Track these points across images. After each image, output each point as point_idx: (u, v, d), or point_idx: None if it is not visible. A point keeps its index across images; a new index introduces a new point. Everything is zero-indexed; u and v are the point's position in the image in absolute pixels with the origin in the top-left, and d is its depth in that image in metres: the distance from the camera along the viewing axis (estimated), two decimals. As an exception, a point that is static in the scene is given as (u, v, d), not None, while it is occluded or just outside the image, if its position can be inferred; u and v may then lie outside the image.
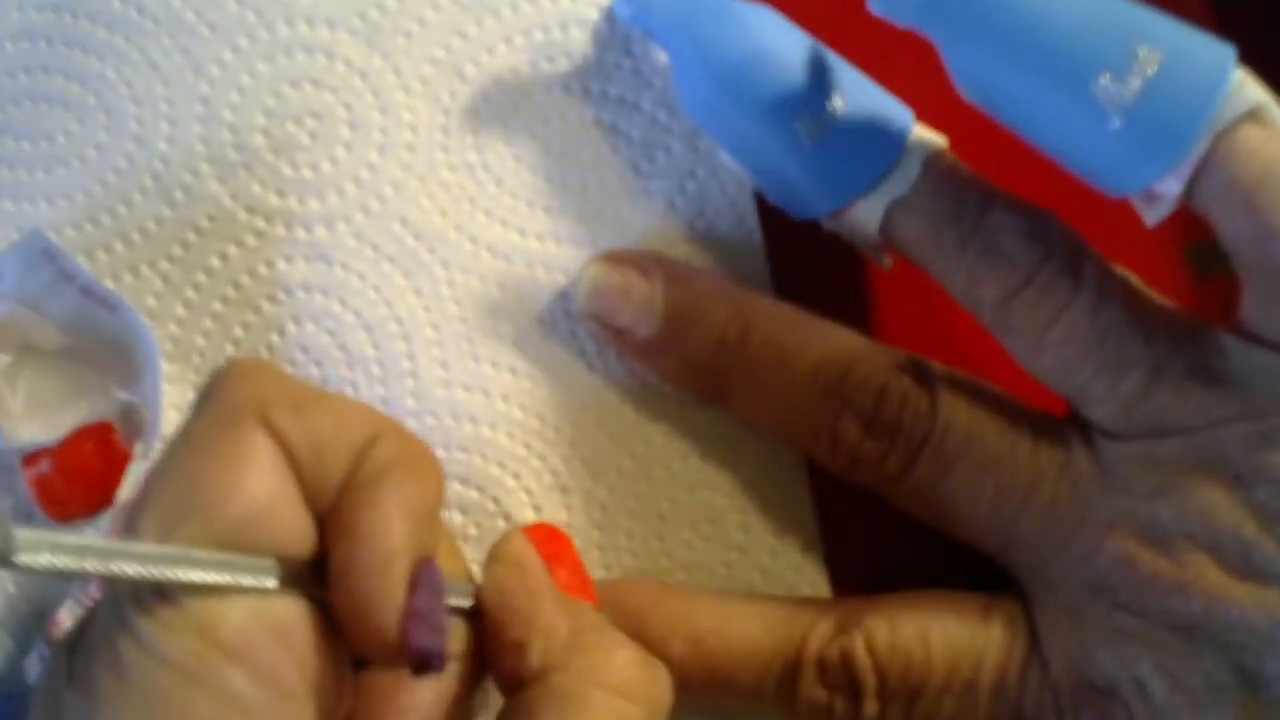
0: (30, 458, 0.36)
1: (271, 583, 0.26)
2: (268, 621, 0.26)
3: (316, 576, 0.27)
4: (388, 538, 0.26)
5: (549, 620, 0.29)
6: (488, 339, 0.36)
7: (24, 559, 0.22)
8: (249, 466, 0.26)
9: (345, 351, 0.36)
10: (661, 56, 0.36)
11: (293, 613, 0.26)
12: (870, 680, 0.32)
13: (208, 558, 0.25)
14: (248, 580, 0.25)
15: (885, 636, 0.32)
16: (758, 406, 0.34)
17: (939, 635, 0.32)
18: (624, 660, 0.29)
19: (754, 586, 0.36)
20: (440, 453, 0.36)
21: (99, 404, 0.36)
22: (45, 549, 0.22)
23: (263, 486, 0.26)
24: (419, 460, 0.28)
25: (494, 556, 0.30)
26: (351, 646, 0.27)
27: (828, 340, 0.33)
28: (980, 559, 0.33)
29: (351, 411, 0.28)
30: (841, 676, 0.32)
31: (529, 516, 0.36)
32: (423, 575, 0.26)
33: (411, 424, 0.36)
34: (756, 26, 0.33)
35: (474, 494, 0.36)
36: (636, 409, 0.36)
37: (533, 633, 0.28)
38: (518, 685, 0.29)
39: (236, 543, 0.25)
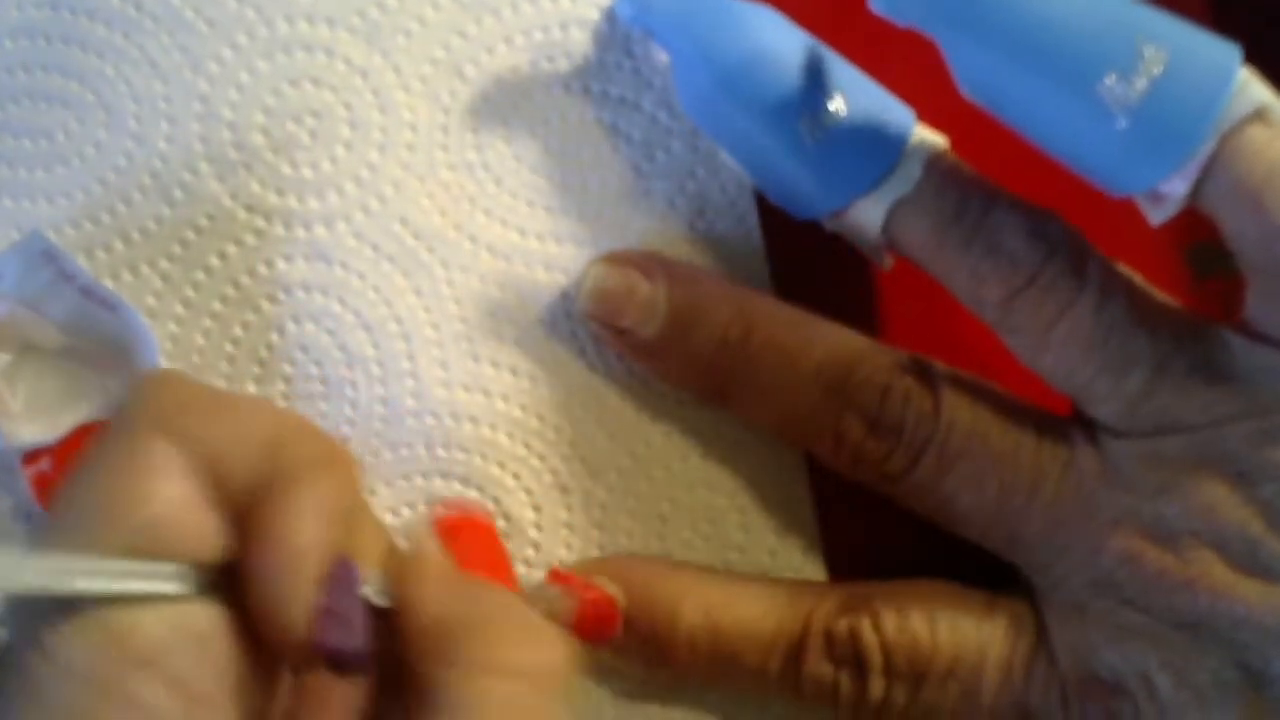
0: (30, 456, 0.36)
1: (177, 588, 0.25)
2: (183, 629, 0.26)
3: (232, 581, 0.26)
4: (295, 536, 0.26)
5: (418, 601, 0.28)
6: (488, 339, 0.36)
7: None
8: (154, 474, 0.26)
9: (345, 351, 0.36)
10: (662, 56, 0.36)
11: (208, 618, 0.26)
12: (877, 657, 0.32)
13: (114, 566, 0.25)
14: (154, 587, 0.25)
15: (893, 617, 0.32)
16: (760, 406, 0.34)
17: (945, 622, 0.32)
18: (511, 634, 0.28)
19: (754, 587, 0.36)
20: (440, 452, 0.36)
21: (99, 403, 0.36)
22: None
23: (169, 492, 0.26)
24: (330, 458, 0.28)
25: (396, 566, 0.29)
26: (269, 648, 0.26)
27: (830, 340, 0.33)
28: (982, 560, 0.33)
29: (256, 412, 0.28)
30: (849, 651, 0.32)
31: (529, 516, 0.36)
32: (335, 573, 0.26)
33: (411, 423, 0.36)
34: (757, 26, 0.33)
35: (474, 494, 0.36)
36: (636, 409, 0.36)
37: (406, 617, 0.28)
38: (416, 682, 0.28)
39: (145, 549, 0.25)
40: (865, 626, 0.32)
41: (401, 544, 0.30)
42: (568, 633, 0.33)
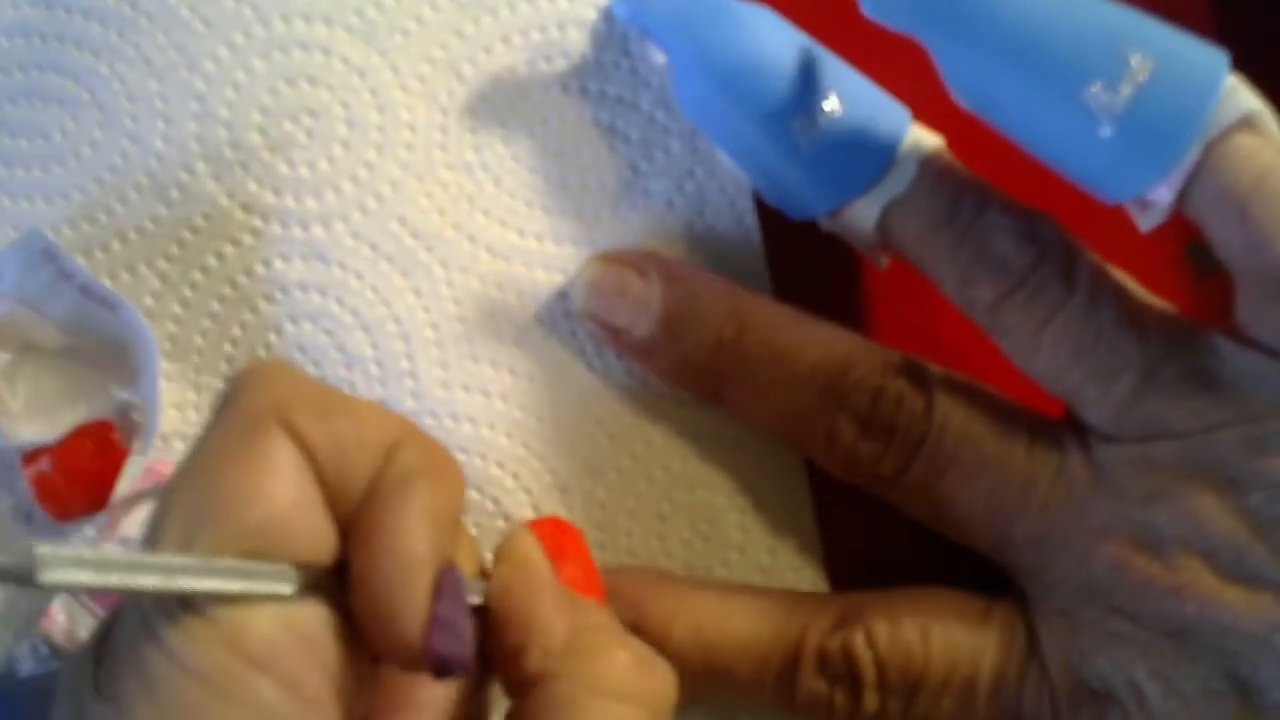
0: (30, 456, 0.36)
1: (289, 589, 0.25)
2: (293, 629, 0.26)
3: (338, 582, 0.27)
4: (411, 545, 0.26)
5: (546, 622, 0.28)
6: (487, 339, 0.36)
7: (48, 577, 0.22)
8: (270, 472, 0.26)
9: (343, 351, 0.36)
10: (659, 56, 0.36)
11: (316, 619, 0.26)
12: (870, 672, 0.32)
13: (227, 566, 0.25)
14: (267, 588, 0.25)
15: (886, 630, 0.32)
16: (754, 406, 0.34)
17: (939, 633, 0.32)
18: (623, 662, 0.29)
19: (753, 586, 0.36)
20: (440, 452, 0.36)
21: (98, 403, 0.36)
22: (68, 566, 0.22)
23: (284, 492, 0.26)
24: (441, 465, 0.28)
25: (499, 556, 0.30)
26: (373, 652, 0.27)
27: (825, 340, 0.33)
28: (980, 560, 0.33)
29: (374, 415, 0.28)
30: (842, 668, 0.32)
31: (529, 516, 0.36)
32: (446, 582, 0.26)
33: (411, 424, 0.36)
34: (754, 26, 0.33)
35: (474, 494, 0.36)
36: (636, 409, 0.36)
37: (530, 635, 0.28)
38: (519, 689, 0.29)
39: (258, 549, 0.25)
40: (858, 641, 0.32)
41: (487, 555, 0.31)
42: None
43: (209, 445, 0.27)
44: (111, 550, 0.24)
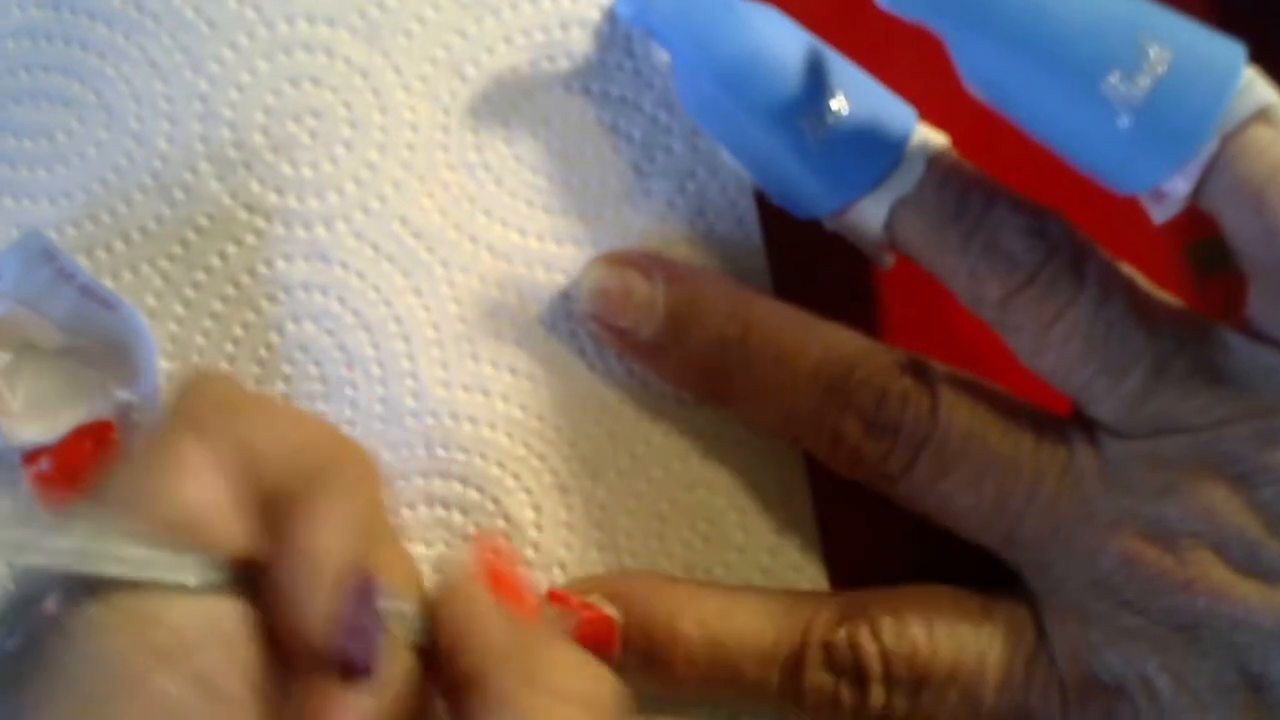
0: (30, 456, 0.36)
1: (197, 580, 0.25)
2: (209, 626, 0.25)
3: (257, 583, 0.26)
4: (319, 544, 0.26)
5: (482, 622, 0.28)
6: (487, 339, 0.36)
7: None
8: (179, 473, 0.26)
9: (344, 351, 0.36)
10: (663, 56, 0.36)
11: (235, 618, 0.26)
12: (876, 666, 0.32)
13: (136, 551, 0.24)
14: (174, 576, 0.25)
15: (891, 625, 0.32)
16: (759, 406, 0.34)
17: (944, 627, 0.32)
18: (563, 660, 0.29)
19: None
20: (440, 452, 0.36)
21: (98, 403, 0.36)
22: None
23: (193, 493, 0.26)
24: (358, 469, 0.28)
25: (435, 593, 0.30)
26: (290, 658, 0.26)
27: (828, 340, 0.33)
28: (983, 559, 0.33)
29: (292, 419, 0.28)
30: (848, 661, 0.32)
31: (529, 517, 0.36)
32: (356, 585, 0.26)
33: (411, 423, 0.36)
34: (758, 26, 0.33)
35: (474, 494, 0.36)
36: (636, 409, 0.36)
37: (467, 635, 0.28)
38: (458, 692, 0.28)
39: (171, 541, 0.25)
40: (864, 635, 0.32)
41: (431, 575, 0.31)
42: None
43: (134, 449, 0.27)
44: (14, 529, 0.23)
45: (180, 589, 0.25)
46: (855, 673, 0.32)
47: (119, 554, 0.24)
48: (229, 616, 0.26)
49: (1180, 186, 0.29)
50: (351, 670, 0.25)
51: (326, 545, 0.26)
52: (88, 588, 0.25)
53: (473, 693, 0.27)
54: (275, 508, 0.27)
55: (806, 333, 0.33)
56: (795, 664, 0.33)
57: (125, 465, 0.27)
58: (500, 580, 0.31)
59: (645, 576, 0.35)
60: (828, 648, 0.33)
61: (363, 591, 0.26)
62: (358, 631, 0.26)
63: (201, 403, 0.27)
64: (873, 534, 0.35)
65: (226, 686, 0.25)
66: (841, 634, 0.33)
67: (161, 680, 0.24)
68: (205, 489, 0.26)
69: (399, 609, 0.28)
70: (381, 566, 0.27)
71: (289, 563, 0.26)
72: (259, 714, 0.26)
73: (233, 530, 0.26)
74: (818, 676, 0.33)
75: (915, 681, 0.32)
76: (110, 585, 0.25)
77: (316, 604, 0.26)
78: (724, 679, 0.33)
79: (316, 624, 0.25)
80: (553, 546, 0.36)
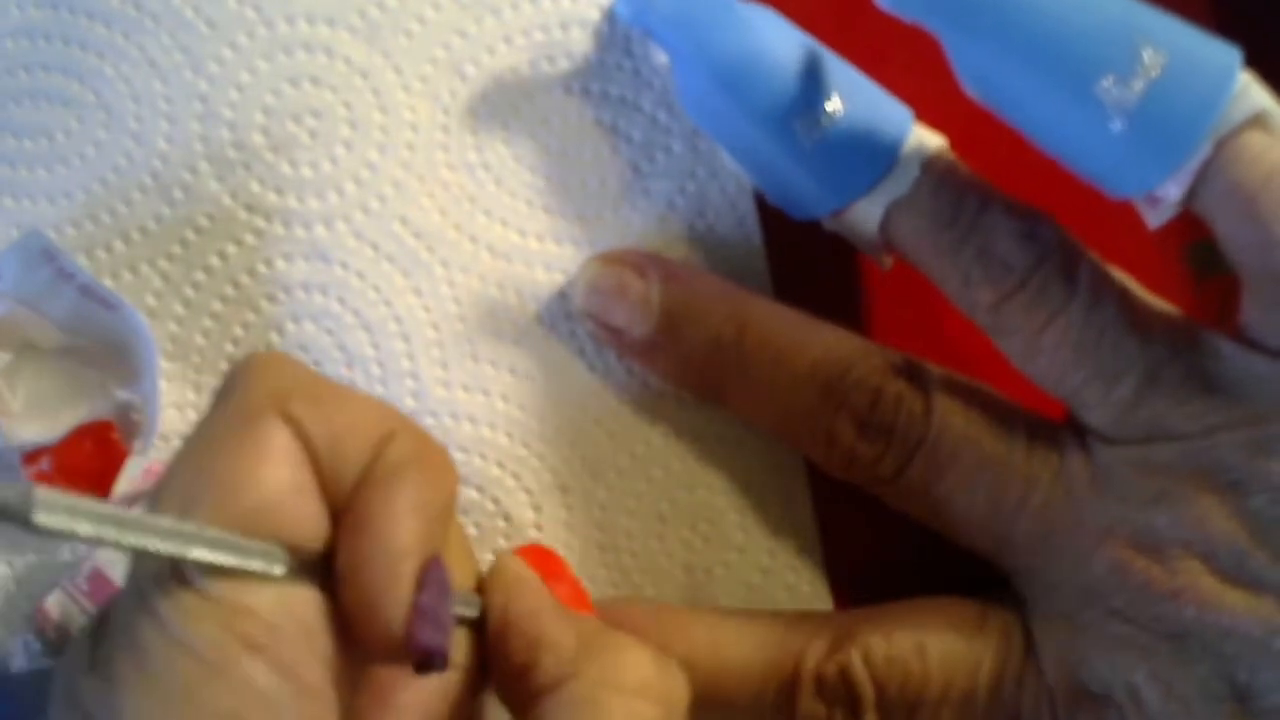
0: (30, 456, 0.36)
1: (280, 569, 0.25)
2: (292, 615, 0.25)
3: (328, 570, 0.27)
4: (397, 535, 0.26)
5: (555, 635, 0.28)
6: (487, 339, 0.36)
7: (42, 519, 0.22)
8: (264, 457, 0.26)
9: (344, 351, 0.36)
10: (662, 57, 0.36)
11: (315, 608, 0.26)
12: (869, 693, 0.32)
13: (222, 538, 0.25)
14: (258, 565, 0.25)
15: (881, 650, 0.32)
16: (754, 406, 0.34)
17: (935, 647, 0.32)
18: (636, 660, 0.29)
19: (753, 586, 0.36)
20: (440, 452, 0.36)
21: (98, 403, 0.36)
22: (63, 511, 0.22)
23: (277, 478, 0.26)
24: (433, 460, 0.28)
25: (491, 582, 0.30)
26: (357, 641, 0.26)
27: (824, 340, 0.33)
28: (979, 559, 0.33)
29: (369, 407, 0.28)
30: (840, 691, 0.32)
31: (529, 517, 0.36)
32: (430, 574, 0.26)
33: (411, 423, 0.36)
34: (757, 27, 0.33)
35: (474, 494, 0.36)
36: (636, 409, 0.36)
37: (540, 651, 0.28)
38: (531, 701, 0.28)
39: (251, 531, 0.25)
40: (855, 662, 0.32)
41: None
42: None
43: (207, 430, 0.27)
44: (110, 506, 0.23)
45: (267, 577, 0.25)
46: (848, 701, 0.32)
47: (216, 540, 0.24)
48: (309, 604, 0.26)
49: (1174, 191, 0.29)
50: (429, 658, 0.26)
51: (405, 536, 0.26)
52: (176, 574, 0.25)
53: (551, 697, 0.28)
54: (348, 494, 0.27)
55: (802, 333, 0.33)
56: (788, 694, 0.33)
57: (205, 444, 0.26)
58: (557, 578, 0.31)
59: (631, 608, 0.34)
60: (819, 677, 0.32)
61: (438, 581, 0.26)
62: (434, 621, 0.26)
63: (278, 383, 0.27)
64: (872, 534, 0.35)
65: (308, 676, 0.25)
66: (833, 663, 0.32)
67: (249, 668, 0.24)
68: (290, 475, 0.26)
69: (466, 599, 0.29)
70: (452, 560, 0.28)
71: (365, 551, 0.26)
72: (338, 703, 0.26)
73: (315, 518, 0.26)
74: (811, 706, 0.32)
75: (908, 705, 0.32)
76: (200, 571, 0.25)
77: (396, 594, 0.26)
78: (716, 709, 0.33)
79: (396, 614, 0.26)
80: (553, 546, 0.36)
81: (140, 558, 0.26)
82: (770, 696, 0.33)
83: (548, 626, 0.29)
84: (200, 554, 0.24)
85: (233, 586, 0.25)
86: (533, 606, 0.29)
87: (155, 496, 0.26)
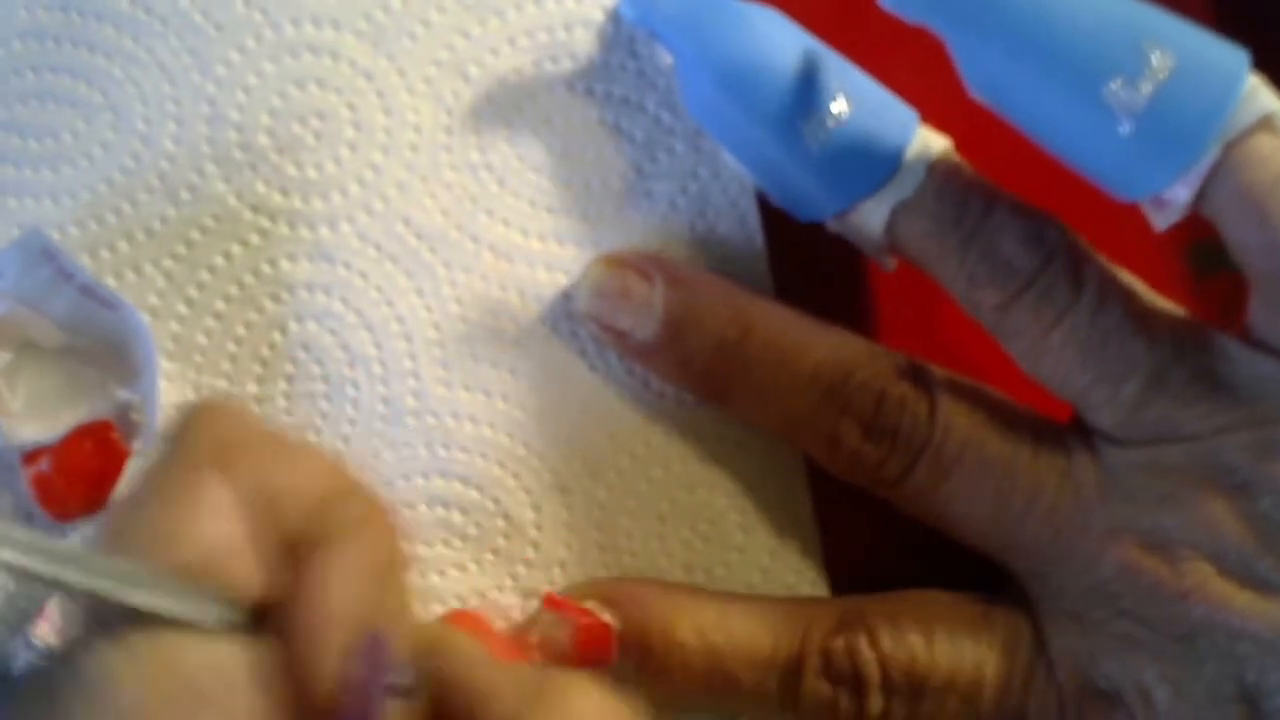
0: (30, 456, 0.36)
1: (210, 619, 0.25)
2: (218, 672, 0.25)
3: (259, 628, 0.26)
4: (332, 600, 0.26)
5: (494, 685, 0.28)
6: (489, 339, 0.36)
7: None
8: (202, 511, 0.26)
9: (347, 351, 0.36)
10: (666, 57, 0.36)
11: (242, 664, 0.26)
12: (874, 674, 0.32)
13: (166, 583, 0.24)
14: (202, 612, 0.25)
15: (889, 633, 0.32)
16: (757, 409, 0.34)
17: (942, 636, 0.32)
18: (585, 695, 0.28)
19: (753, 587, 0.36)
20: (441, 452, 0.36)
21: (99, 403, 0.36)
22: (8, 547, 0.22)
23: (211, 533, 0.26)
24: (376, 523, 0.27)
25: (423, 649, 0.29)
26: (299, 708, 0.26)
27: (828, 343, 0.33)
28: (983, 563, 0.33)
29: (312, 463, 0.28)
30: (846, 669, 0.32)
31: (529, 517, 0.36)
32: (366, 644, 0.26)
33: (412, 423, 0.36)
34: (761, 28, 0.33)
35: (474, 494, 0.36)
36: (636, 409, 0.36)
37: (484, 702, 0.27)
38: None
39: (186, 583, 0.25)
40: (862, 643, 0.32)
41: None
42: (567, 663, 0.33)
43: (152, 479, 0.27)
44: (47, 540, 0.23)
45: (197, 628, 0.25)
46: (853, 681, 0.32)
47: (154, 583, 0.24)
48: (241, 661, 0.25)
49: (1181, 194, 0.29)
50: None
51: (339, 601, 0.26)
52: (102, 625, 0.25)
53: None
54: (289, 551, 0.26)
55: (806, 335, 0.33)
56: (793, 672, 0.33)
57: (146, 498, 0.26)
58: (486, 635, 0.31)
59: (642, 583, 0.35)
60: (826, 656, 0.32)
61: (373, 652, 0.26)
62: (365, 692, 0.25)
63: (223, 437, 0.27)
64: (873, 535, 0.35)
65: None
66: (839, 642, 0.32)
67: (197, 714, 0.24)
68: (226, 529, 0.26)
69: (404, 668, 0.28)
70: (388, 618, 0.27)
71: (302, 615, 0.26)
72: None
73: (251, 573, 0.26)
74: (816, 685, 0.32)
75: (913, 689, 0.32)
76: (124, 622, 0.24)
77: (326, 662, 0.25)
78: (721, 686, 0.33)
79: (326, 682, 0.25)
80: (553, 546, 0.36)
81: (65, 610, 0.26)
82: (775, 676, 0.33)
83: (486, 677, 0.28)
84: (147, 599, 0.24)
85: (159, 641, 0.25)
86: (467, 662, 0.28)
87: (95, 545, 0.26)
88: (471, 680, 0.28)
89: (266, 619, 0.26)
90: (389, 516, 0.28)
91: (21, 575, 0.24)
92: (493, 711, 0.27)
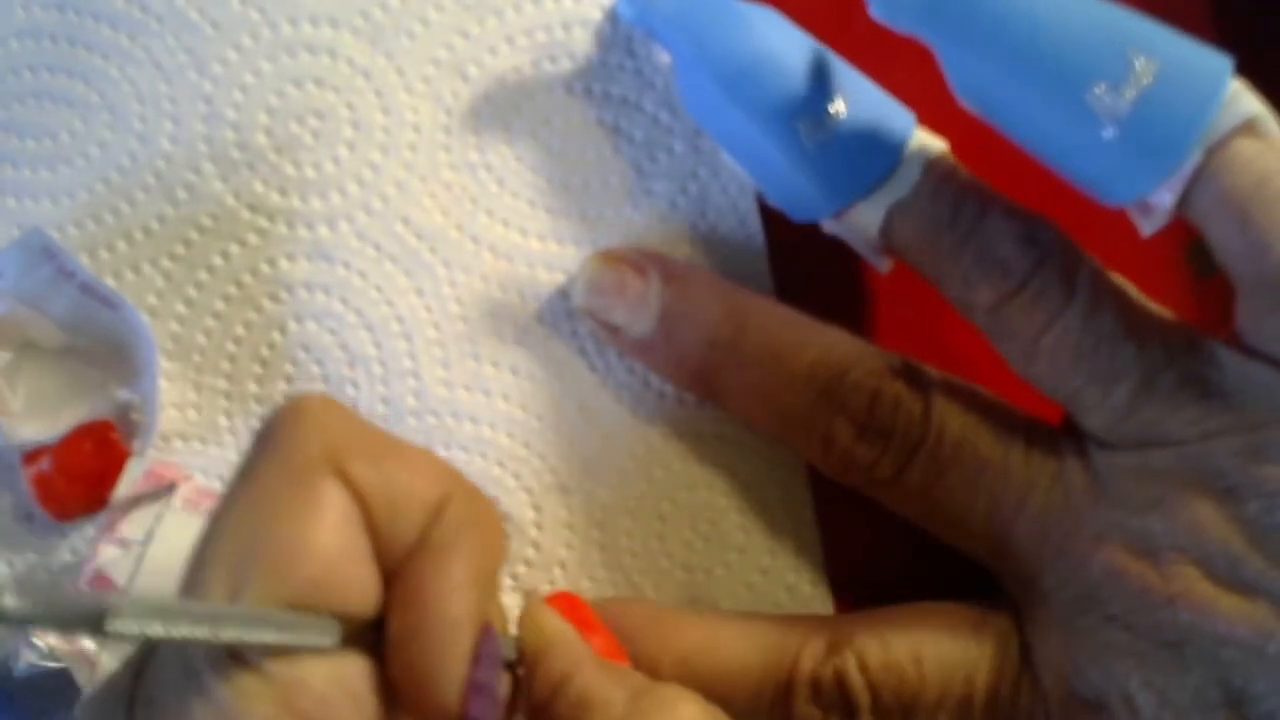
0: (30, 455, 0.36)
1: (332, 641, 0.25)
2: (343, 686, 0.25)
3: (378, 636, 0.26)
4: (452, 609, 0.26)
5: (603, 695, 0.28)
6: (489, 339, 0.36)
7: (116, 626, 0.21)
8: (320, 523, 0.26)
9: (346, 350, 0.36)
10: (664, 57, 0.36)
11: (362, 674, 0.26)
12: (864, 698, 0.32)
13: (273, 617, 0.24)
14: (312, 640, 0.25)
15: (878, 655, 0.32)
16: (751, 406, 0.34)
17: (931, 652, 0.32)
18: (689, 714, 0.28)
19: (753, 587, 0.36)
20: (441, 452, 0.36)
21: (99, 402, 0.36)
22: (133, 616, 0.22)
23: (332, 545, 0.26)
24: (487, 524, 0.27)
25: (528, 635, 0.29)
26: (408, 710, 0.26)
27: (823, 342, 0.33)
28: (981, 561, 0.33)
29: (425, 465, 0.27)
30: (835, 696, 0.32)
31: (529, 517, 0.36)
32: (484, 648, 0.26)
33: (412, 423, 0.36)
34: (759, 28, 0.33)
35: (474, 493, 0.36)
36: (636, 409, 0.36)
37: (589, 712, 0.28)
38: None
39: (306, 602, 0.25)
40: (851, 667, 0.32)
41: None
42: None
43: (257, 488, 0.26)
44: (170, 601, 0.23)
45: (317, 651, 0.25)
46: (843, 706, 0.32)
47: (263, 619, 0.24)
48: (359, 673, 0.26)
49: (1166, 199, 0.29)
50: None
51: (460, 608, 0.26)
52: (233, 654, 0.25)
53: None
54: (406, 559, 0.26)
55: (801, 334, 0.33)
56: (783, 698, 0.32)
57: (259, 505, 0.26)
58: (591, 628, 0.31)
59: (626, 610, 0.34)
60: (815, 682, 0.32)
61: (490, 653, 0.26)
62: (488, 695, 0.26)
63: (333, 440, 0.26)
64: (872, 534, 0.35)
65: None
66: (828, 667, 0.32)
67: None
68: (345, 541, 0.26)
69: (510, 660, 0.28)
70: (494, 614, 0.27)
71: (422, 624, 0.26)
72: None
73: (368, 582, 0.26)
74: (806, 710, 0.32)
75: (904, 710, 0.32)
76: (252, 649, 0.25)
77: (451, 668, 0.26)
78: None
79: (452, 689, 0.26)
80: (553, 546, 0.36)
81: None
82: (766, 699, 0.33)
83: (594, 686, 0.28)
84: (258, 636, 0.24)
85: (285, 662, 0.25)
86: (575, 664, 0.28)
87: (203, 560, 0.26)
88: (577, 684, 0.28)
89: (389, 618, 0.26)
90: (496, 515, 0.28)
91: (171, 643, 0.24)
92: (598, 710, 0.27)
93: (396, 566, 0.27)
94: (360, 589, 0.26)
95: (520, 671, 0.29)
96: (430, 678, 0.26)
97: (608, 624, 0.33)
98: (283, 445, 0.27)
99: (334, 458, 0.26)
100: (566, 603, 0.31)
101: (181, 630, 0.23)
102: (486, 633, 0.26)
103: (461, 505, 0.27)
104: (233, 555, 0.25)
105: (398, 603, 0.26)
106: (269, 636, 0.24)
